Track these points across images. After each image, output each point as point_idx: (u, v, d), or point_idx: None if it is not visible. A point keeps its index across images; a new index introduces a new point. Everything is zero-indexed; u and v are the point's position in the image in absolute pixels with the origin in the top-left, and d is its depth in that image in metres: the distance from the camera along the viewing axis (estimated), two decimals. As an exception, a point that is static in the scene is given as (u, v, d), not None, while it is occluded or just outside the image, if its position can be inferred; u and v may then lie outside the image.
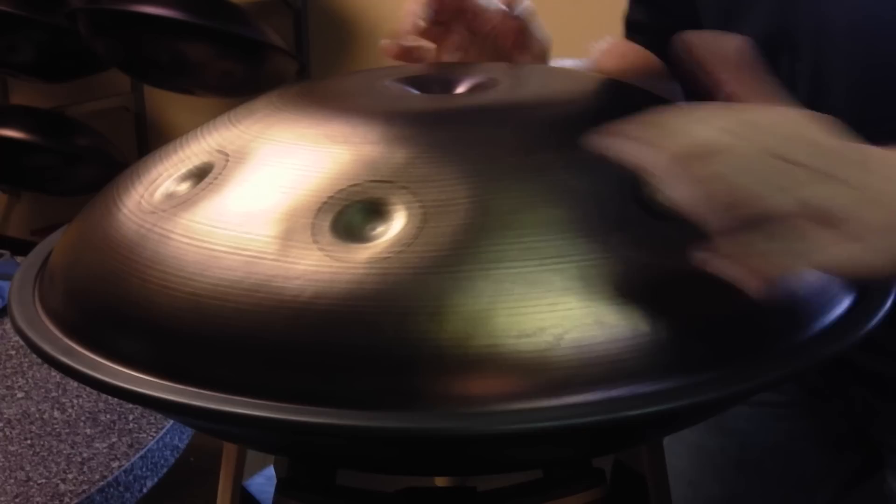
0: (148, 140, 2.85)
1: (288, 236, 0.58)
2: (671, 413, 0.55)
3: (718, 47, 0.63)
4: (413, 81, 0.74)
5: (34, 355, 0.62)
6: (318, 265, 0.56)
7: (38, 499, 0.93)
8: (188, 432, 1.08)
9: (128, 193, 0.66)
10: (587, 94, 0.75)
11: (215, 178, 0.63)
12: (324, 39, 2.66)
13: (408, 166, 0.60)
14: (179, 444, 1.07)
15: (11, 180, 2.72)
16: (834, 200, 0.53)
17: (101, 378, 0.58)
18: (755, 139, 0.54)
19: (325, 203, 0.59)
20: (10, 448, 1.01)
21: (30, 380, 1.14)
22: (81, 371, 0.59)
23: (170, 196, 0.64)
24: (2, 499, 0.93)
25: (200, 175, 0.64)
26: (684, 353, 0.56)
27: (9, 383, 1.13)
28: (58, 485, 0.95)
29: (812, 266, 0.55)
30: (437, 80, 0.74)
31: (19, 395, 1.11)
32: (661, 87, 0.84)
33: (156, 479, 1.03)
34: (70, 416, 1.06)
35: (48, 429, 1.04)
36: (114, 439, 1.02)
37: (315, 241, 0.57)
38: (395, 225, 0.57)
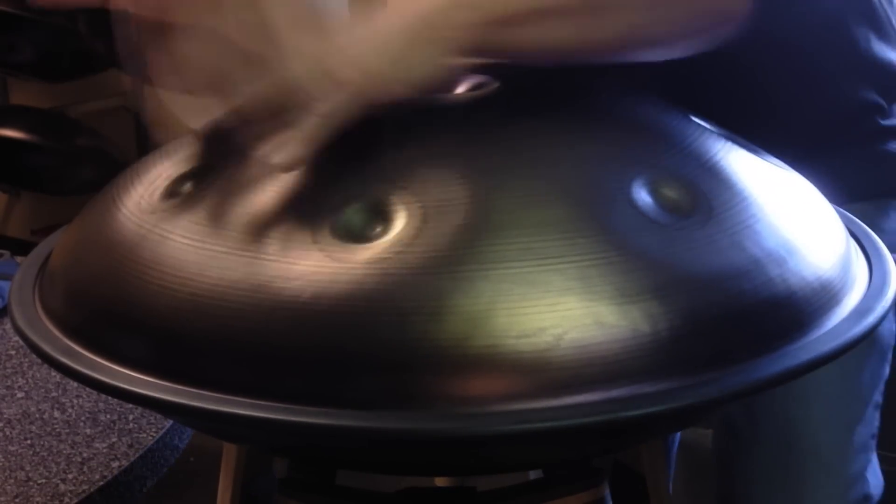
0: (148, 140, 2.84)
1: (288, 236, 0.58)
2: (671, 413, 0.55)
3: None
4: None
5: (34, 355, 0.62)
6: (318, 265, 0.56)
7: (38, 499, 0.93)
8: (188, 432, 1.08)
9: (128, 193, 0.66)
10: (587, 94, 0.75)
11: (215, 179, 0.63)
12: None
13: (408, 166, 0.60)
14: (179, 444, 1.07)
15: (11, 180, 2.72)
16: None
17: (100, 378, 0.58)
18: None
19: (325, 203, 0.59)
20: (10, 448, 1.00)
21: (30, 380, 1.14)
22: (81, 371, 0.58)
23: (170, 196, 0.64)
24: (2, 499, 0.93)
25: (200, 175, 0.64)
26: (684, 353, 0.56)
27: (9, 383, 1.13)
28: (58, 485, 0.95)
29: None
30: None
31: (19, 395, 1.11)
32: None
33: (156, 479, 1.03)
34: (70, 416, 1.06)
35: (48, 429, 1.04)
36: (114, 439, 1.02)
37: (315, 242, 0.57)
38: (395, 225, 0.57)
